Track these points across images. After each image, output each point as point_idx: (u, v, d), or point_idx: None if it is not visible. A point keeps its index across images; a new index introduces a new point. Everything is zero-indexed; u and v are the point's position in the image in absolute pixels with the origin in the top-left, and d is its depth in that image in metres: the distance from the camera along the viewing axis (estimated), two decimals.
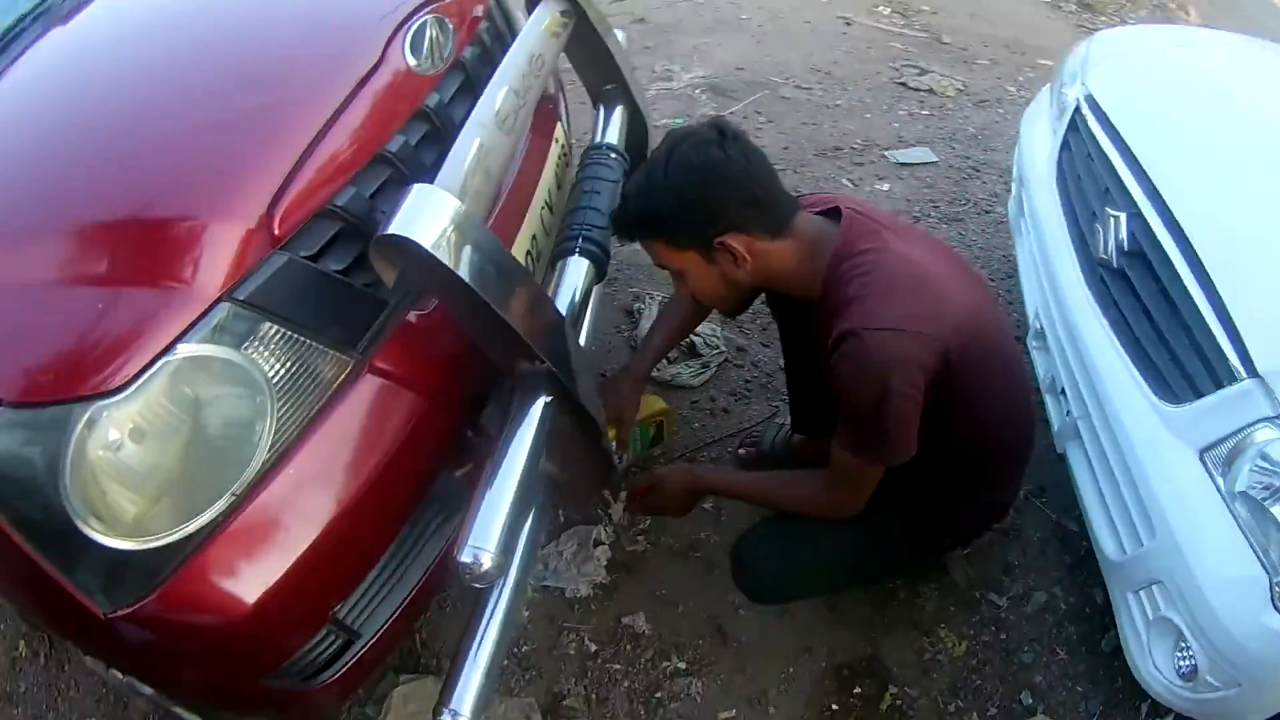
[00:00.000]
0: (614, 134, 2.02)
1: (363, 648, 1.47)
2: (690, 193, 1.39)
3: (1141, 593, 1.51)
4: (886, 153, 3.32)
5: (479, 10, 1.85)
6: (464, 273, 1.26)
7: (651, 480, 1.77)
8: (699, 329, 2.39)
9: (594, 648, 1.94)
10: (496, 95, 1.53)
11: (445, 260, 1.24)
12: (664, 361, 2.39)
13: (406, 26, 1.59)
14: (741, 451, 2.25)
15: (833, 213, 1.50)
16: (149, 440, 1.17)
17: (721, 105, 3.67)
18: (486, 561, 1.23)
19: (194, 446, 1.21)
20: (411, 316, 1.46)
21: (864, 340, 1.32)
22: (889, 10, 4.51)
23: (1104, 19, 4.94)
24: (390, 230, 1.22)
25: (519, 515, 1.32)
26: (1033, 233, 2.21)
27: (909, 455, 1.41)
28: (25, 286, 1.24)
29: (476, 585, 1.28)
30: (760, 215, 1.42)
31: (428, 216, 1.25)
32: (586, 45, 2.03)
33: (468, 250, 1.27)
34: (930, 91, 3.73)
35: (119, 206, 1.32)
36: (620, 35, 2.13)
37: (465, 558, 1.22)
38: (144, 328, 1.17)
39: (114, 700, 1.97)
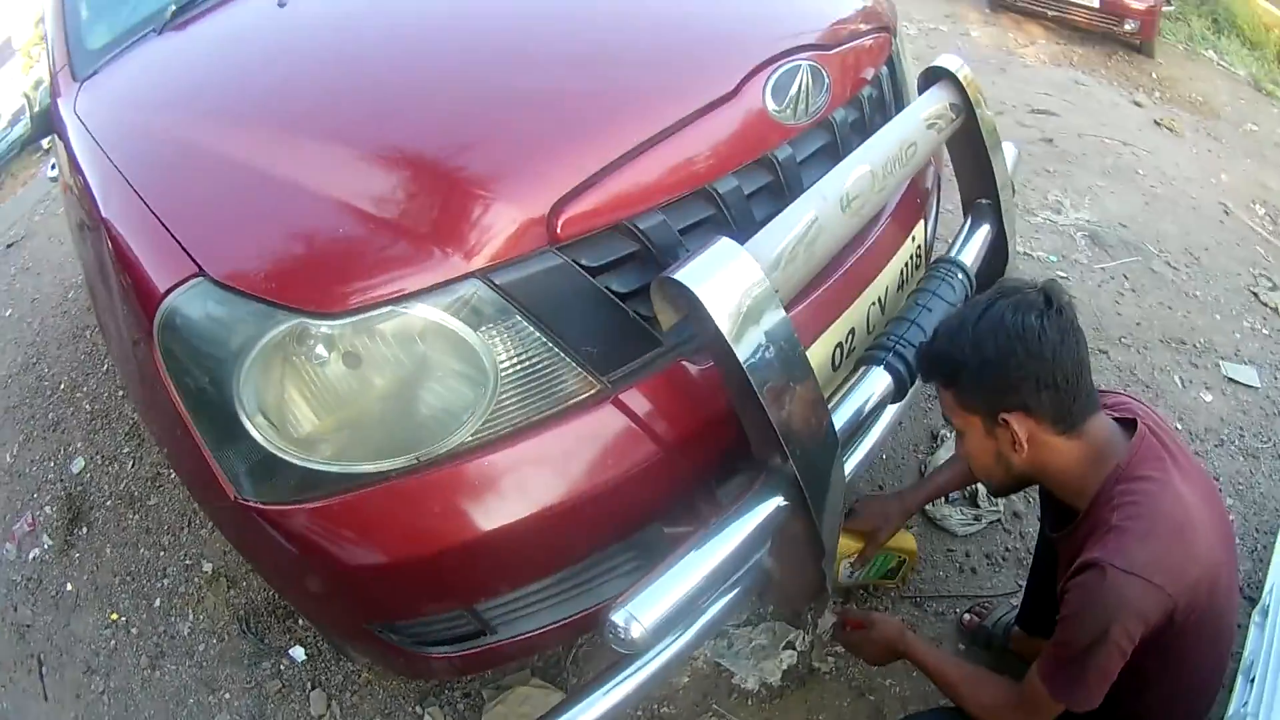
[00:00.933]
0: (970, 253, 1.75)
1: (490, 643, 1.40)
2: (990, 353, 1.27)
3: None
4: (1222, 362, 3.07)
5: (868, 72, 1.62)
6: (740, 349, 1.11)
7: (865, 620, 1.65)
8: None
9: None
10: (850, 172, 1.34)
11: (723, 328, 1.09)
12: (941, 498, 2.25)
13: (775, 66, 1.40)
14: (966, 617, 2.06)
15: (1128, 421, 1.37)
16: (360, 371, 1.14)
17: (1095, 257, 3.50)
18: (635, 632, 1.11)
19: (399, 398, 1.17)
20: (689, 366, 1.31)
21: (1106, 577, 1.22)
22: (1263, 211, 4.19)
23: None
24: (676, 275, 1.09)
25: (695, 600, 1.18)
26: None
27: (1093, 706, 1.29)
28: (290, 183, 1.23)
29: (618, 649, 1.15)
30: (1055, 404, 1.28)
31: (722, 276, 1.10)
32: (970, 148, 1.76)
33: (753, 327, 1.12)
34: (1275, 310, 3.46)
35: (410, 145, 1.28)
36: (1011, 151, 1.86)
37: (617, 618, 1.12)
38: (382, 270, 1.13)
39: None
